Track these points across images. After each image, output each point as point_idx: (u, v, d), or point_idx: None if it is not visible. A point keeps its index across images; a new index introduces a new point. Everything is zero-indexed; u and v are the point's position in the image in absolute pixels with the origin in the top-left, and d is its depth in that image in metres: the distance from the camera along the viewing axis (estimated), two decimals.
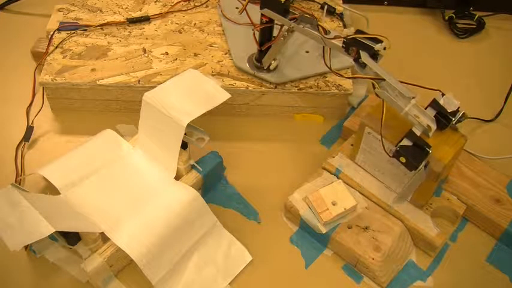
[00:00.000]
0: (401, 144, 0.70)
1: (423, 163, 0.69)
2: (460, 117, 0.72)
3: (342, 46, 0.73)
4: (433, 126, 0.71)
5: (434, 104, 0.72)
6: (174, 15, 1.01)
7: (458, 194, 0.80)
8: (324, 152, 0.89)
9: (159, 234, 0.70)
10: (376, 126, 0.74)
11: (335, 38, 0.74)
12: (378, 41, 0.70)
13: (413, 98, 0.69)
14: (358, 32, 0.72)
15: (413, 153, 0.69)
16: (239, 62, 0.91)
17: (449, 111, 0.71)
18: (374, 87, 0.69)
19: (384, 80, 0.69)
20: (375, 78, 0.70)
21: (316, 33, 0.76)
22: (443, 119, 0.71)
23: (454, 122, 0.71)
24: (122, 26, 0.98)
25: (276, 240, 0.78)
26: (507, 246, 0.79)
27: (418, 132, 0.70)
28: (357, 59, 0.71)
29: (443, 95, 0.72)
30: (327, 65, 0.77)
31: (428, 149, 0.69)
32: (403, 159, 0.70)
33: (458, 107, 0.72)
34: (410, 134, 0.70)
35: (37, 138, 0.88)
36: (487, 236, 0.80)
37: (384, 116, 0.70)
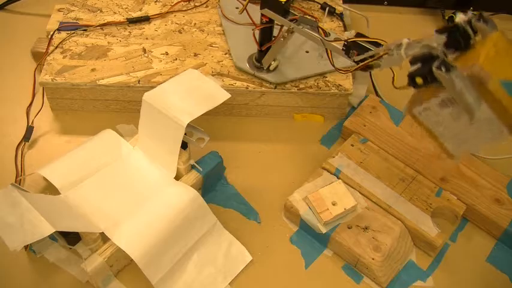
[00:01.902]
0: (410, 71, 0.63)
1: (437, 63, 0.60)
2: (479, 18, 0.62)
3: (343, 49, 0.73)
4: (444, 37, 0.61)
5: (440, 29, 0.62)
6: (174, 15, 1.01)
7: (458, 194, 0.80)
8: (324, 152, 0.89)
9: (159, 234, 0.70)
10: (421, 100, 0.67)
11: (335, 40, 0.74)
12: (378, 44, 0.70)
13: (403, 40, 0.64)
14: (359, 35, 0.72)
15: (423, 64, 0.61)
16: (239, 62, 0.91)
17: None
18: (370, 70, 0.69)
19: (383, 54, 0.67)
20: (376, 58, 0.68)
21: (316, 35, 0.76)
22: (457, 31, 0.62)
23: (479, 21, 0.64)
24: (122, 26, 0.98)
25: (276, 240, 0.78)
26: (507, 246, 0.79)
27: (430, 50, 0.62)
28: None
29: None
30: (331, 63, 0.77)
31: (435, 53, 0.60)
32: (419, 80, 0.62)
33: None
34: (413, 59, 0.63)
35: (37, 138, 0.88)
36: (487, 236, 0.80)
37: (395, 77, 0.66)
